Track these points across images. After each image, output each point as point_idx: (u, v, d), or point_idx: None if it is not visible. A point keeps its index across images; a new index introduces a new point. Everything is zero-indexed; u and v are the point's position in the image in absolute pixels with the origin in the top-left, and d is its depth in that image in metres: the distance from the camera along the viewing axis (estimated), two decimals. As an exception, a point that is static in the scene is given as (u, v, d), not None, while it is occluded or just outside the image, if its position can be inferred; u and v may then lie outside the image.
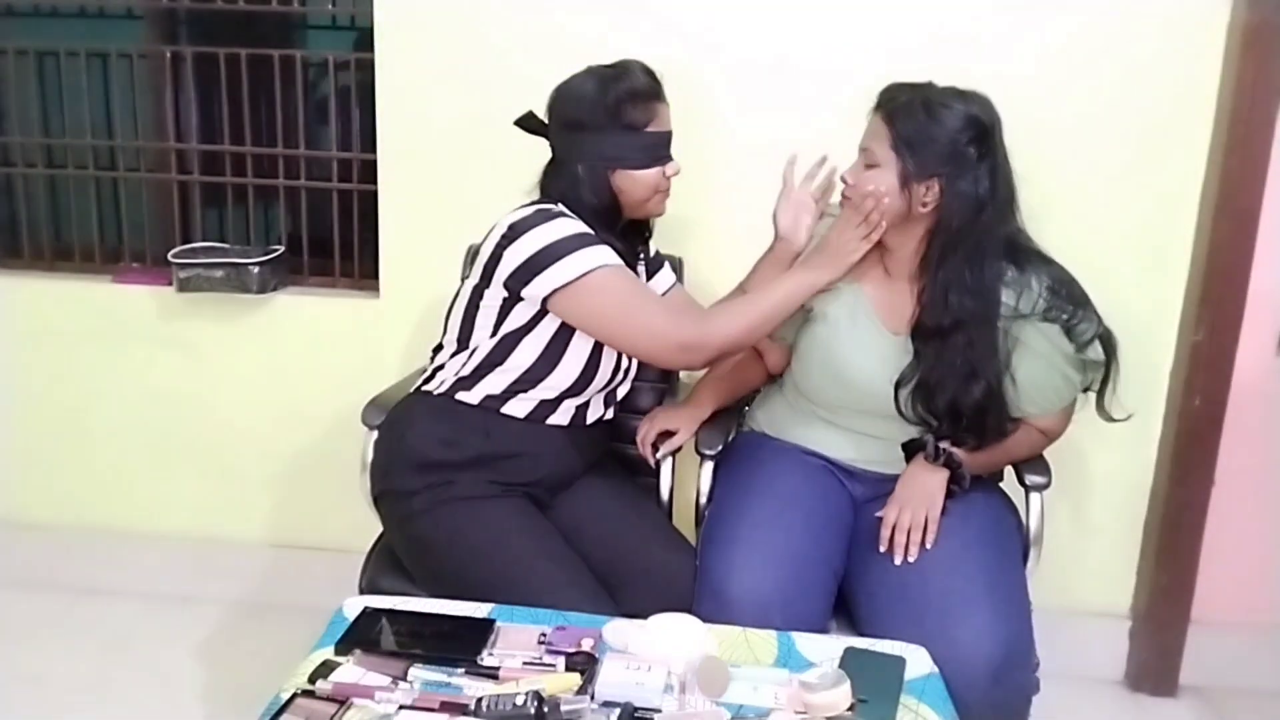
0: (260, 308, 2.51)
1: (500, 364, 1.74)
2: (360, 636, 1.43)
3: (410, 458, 1.75)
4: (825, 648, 1.46)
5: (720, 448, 1.90)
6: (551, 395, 1.76)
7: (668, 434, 1.90)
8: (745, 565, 1.65)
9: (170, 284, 2.48)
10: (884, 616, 1.62)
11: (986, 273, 1.68)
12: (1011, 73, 2.14)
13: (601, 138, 1.71)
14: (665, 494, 1.94)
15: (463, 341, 1.77)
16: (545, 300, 1.68)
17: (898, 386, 1.73)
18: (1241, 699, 2.36)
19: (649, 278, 1.91)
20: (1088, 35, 2.16)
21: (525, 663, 1.38)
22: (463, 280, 1.78)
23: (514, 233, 1.68)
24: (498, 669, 1.37)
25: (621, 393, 1.89)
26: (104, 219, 2.73)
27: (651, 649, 1.38)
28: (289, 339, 2.52)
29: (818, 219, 1.80)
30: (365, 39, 2.37)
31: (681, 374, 2.23)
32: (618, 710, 1.28)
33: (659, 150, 1.74)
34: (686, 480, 1.97)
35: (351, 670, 1.37)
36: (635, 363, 1.86)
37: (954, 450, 1.74)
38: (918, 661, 1.43)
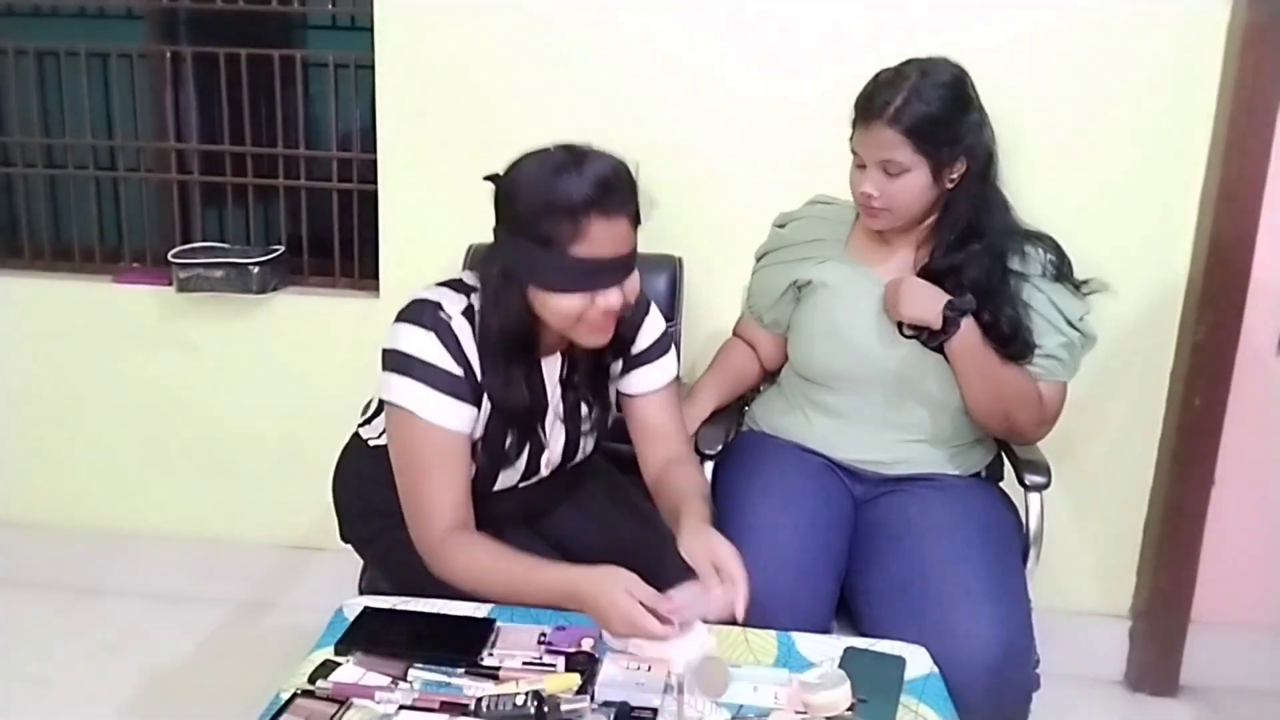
0: (260, 308, 2.51)
1: None
2: (360, 636, 1.42)
3: (355, 507, 1.75)
4: (825, 648, 1.46)
5: (720, 448, 1.90)
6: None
7: (667, 434, 1.89)
8: (746, 565, 1.64)
9: (170, 284, 2.48)
10: (884, 616, 1.62)
11: (992, 220, 1.72)
12: (1011, 74, 2.14)
13: (516, 243, 1.41)
14: (665, 494, 1.94)
15: None
16: None
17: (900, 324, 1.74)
18: (1241, 699, 2.36)
19: (635, 366, 1.63)
20: (1087, 36, 2.16)
21: (525, 663, 1.38)
22: None
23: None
24: (498, 669, 1.37)
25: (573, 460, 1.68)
26: (104, 219, 2.73)
27: (651, 649, 1.38)
28: (289, 339, 2.52)
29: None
30: (365, 39, 2.38)
31: (681, 374, 2.23)
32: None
33: (586, 277, 1.39)
34: (686, 480, 1.97)
35: (351, 670, 1.37)
36: (576, 450, 1.65)
37: (961, 327, 1.69)
38: (918, 661, 1.43)
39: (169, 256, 2.48)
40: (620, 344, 1.57)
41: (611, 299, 1.42)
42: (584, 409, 1.61)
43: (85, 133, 2.62)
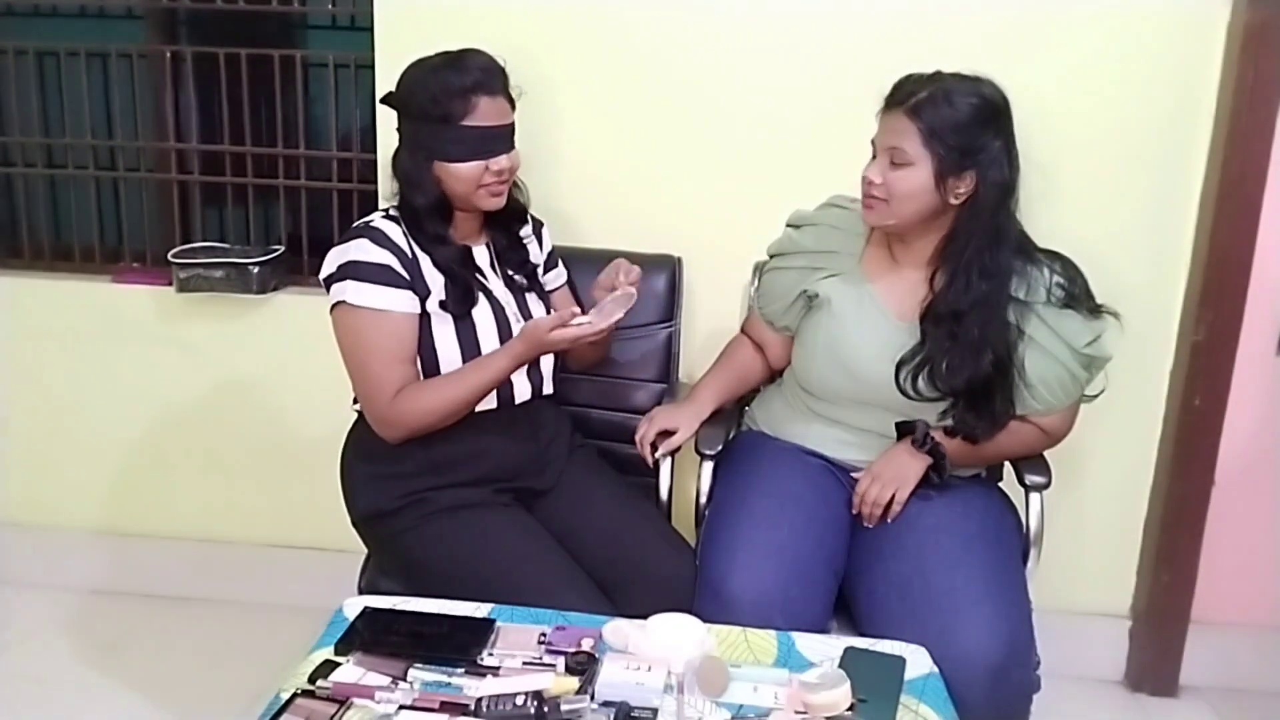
0: (260, 308, 2.51)
1: None
2: (360, 636, 1.43)
3: (364, 477, 1.78)
4: (825, 648, 1.46)
5: (720, 447, 1.90)
6: None
7: (667, 433, 1.90)
8: (746, 565, 1.65)
9: (170, 284, 2.48)
10: (884, 616, 1.62)
11: (1003, 255, 1.69)
12: (1010, 74, 2.13)
13: (419, 127, 1.71)
14: (664, 494, 1.94)
15: None
16: None
17: (900, 365, 1.74)
18: (1241, 699, 2.36)
19: (545, 271, 1.95)
20: (1087, 35, 2.16)
21: (525, 663, 1.38)
22: None
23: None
24: (498, 669, 1.37)
25: (545, 365, 1.86)
26: (104, 219, 2.73)
27: (651, 649, 1.38)
28: (289, 339, 2.52)
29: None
30: (365, 39, 2.38)
31: (681, 374, 2.24)
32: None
33: (479, 145, 1.70)
34: (686, 480, 1.97)
35: (351, 670, 1.37)
36: (528, 310, 1.85)
37: (940, 442, 1.75)
38: (918, 661, 1.43)
39: (169, 256, 2.48)
40: (518, 213, 1.88)
41: (502, 162, 1.72)
42: (518, 282, 1.87)
43: (85, 133, 2.62)
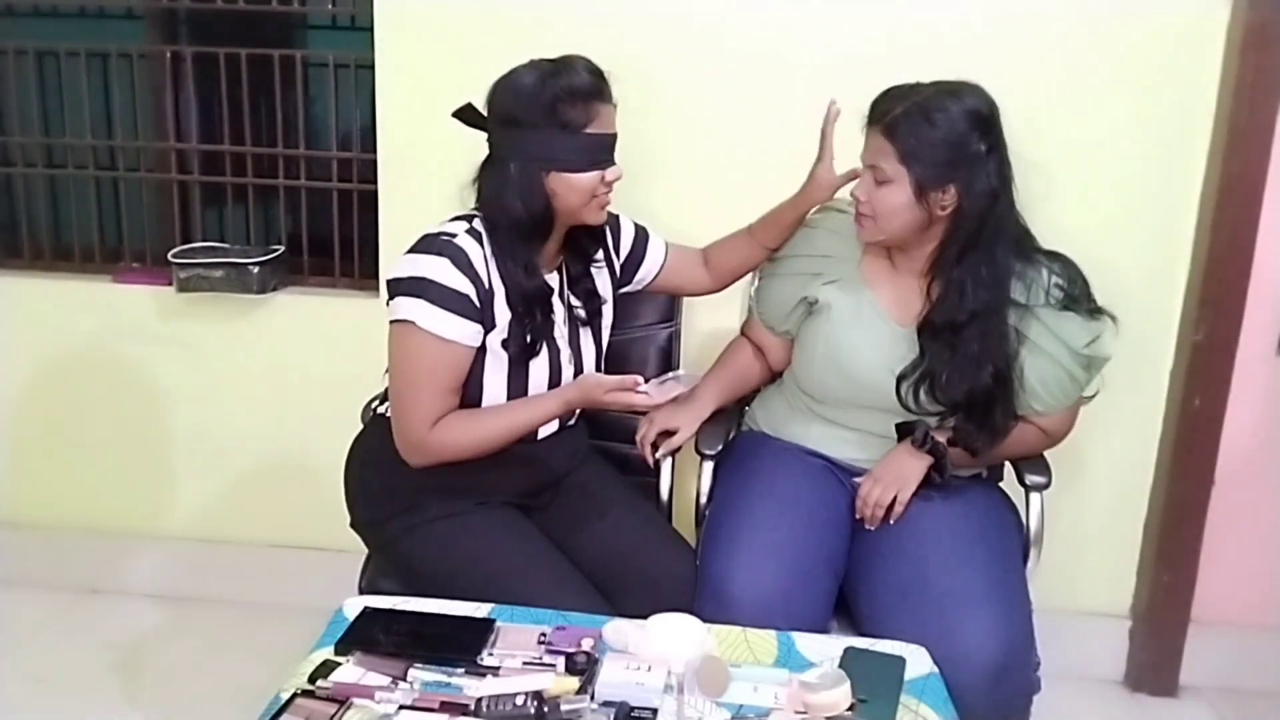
0: (260, 308, 2.51)
1: None
2: (360, 636, 1.43)
3: (370, 488, 1.77)
4: (825, 648, 1.46)
5: (720, 447, 1.90)
6: None
7: (668, 434, 1.90)
8: (746, 565, 1.65)
9: (170, 284, 2.49)
10: (884, 616, 1.62)
11: (1000, 264, 1.68)
12: (1011, 74, 2.14)
13: (536, 136, 1.60)
14: (665, 494, 1.94)
15: None
16: None
17: (900, 379, 1.74)
18: (1241, 699, 2.36)
19: (636, 269, 1.90)
20: (1087, 36, 2.16)
21: (525, 663, 1.38)
22: None
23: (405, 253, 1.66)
24: (498, 669, 1.37)
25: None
26: (104, 219, 2.73)
27: (651, 649, 1.38)
28: (289, 339, 2.52)
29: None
30: (365, 39, 2.37)
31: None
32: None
33: (598, 154, 1.63)
34: (686, 480, 1.97)
35: (351, 670, 1.37)
36: (581, 352, 1.80)
37: (940, 441, 1.74)
38: (918, 661, 1.43)
39: (169, 256, 2.48)
40: (600, 234, 1.80)
41: (616, 171, 1.66)
42: (579, 315, 1.79)
43: (85, 133, 2.62)
